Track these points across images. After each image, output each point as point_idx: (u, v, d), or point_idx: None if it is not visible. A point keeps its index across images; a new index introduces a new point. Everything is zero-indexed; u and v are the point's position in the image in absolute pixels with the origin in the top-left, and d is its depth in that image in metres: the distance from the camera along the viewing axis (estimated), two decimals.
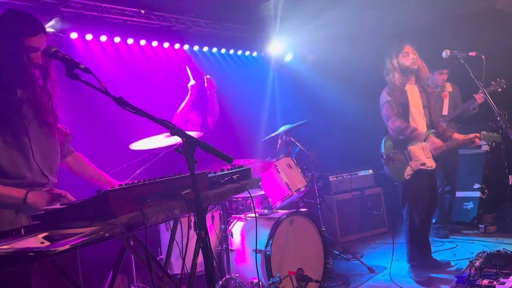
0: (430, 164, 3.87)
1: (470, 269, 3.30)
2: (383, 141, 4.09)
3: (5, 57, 2.02)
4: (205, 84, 4.65)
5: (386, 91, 3.96)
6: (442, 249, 4.79)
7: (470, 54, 3.53)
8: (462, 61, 3.52)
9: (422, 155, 3.87)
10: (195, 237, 1.79)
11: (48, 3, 4.22)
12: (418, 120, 3.89)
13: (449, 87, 5.22)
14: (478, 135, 3.82)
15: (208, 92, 4.69)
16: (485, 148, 5.72)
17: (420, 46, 3.98)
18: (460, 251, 4.68)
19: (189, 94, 4.56)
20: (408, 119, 3.88)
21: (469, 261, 3.49)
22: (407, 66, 3.86)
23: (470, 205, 5.65)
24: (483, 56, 3.50)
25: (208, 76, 4.65)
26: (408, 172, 3.89)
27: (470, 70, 3.46)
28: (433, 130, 3.91)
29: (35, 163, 2.12)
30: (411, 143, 3.90)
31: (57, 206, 1.66)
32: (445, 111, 5.10)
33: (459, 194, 5.51)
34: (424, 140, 3.88)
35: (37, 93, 2.17)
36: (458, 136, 3.96)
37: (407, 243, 3.99)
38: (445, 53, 3.64)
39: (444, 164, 4.50)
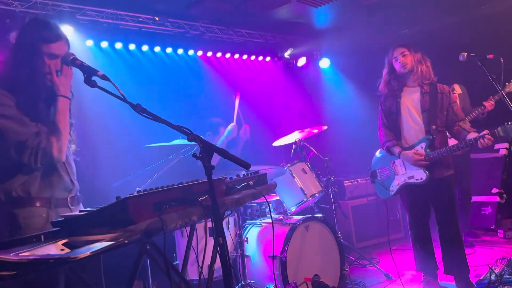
0: (419, 176, 3.55)
1: (490, 276, 3.23)
2: (375, 154, 3.95)
3: (27, 66, 2.09)
4: (240, 131, 4.67)
5: (381, 100, 3.81)
6: None
7: (488, 56, 3.46)
8: (480, 64, 3.45)
9: (411, 167, 3.58)
10: (210, 242, 1.79)
11: (65, 11, 4.28)
12: (411, 128, 3.61)
13: (458, 89, 5.10)
14: (487, 131, 3.34)
15: (240, 138, 4.69)
16: (503, 152, 5.62)
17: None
18: (479, 257, 4.59)
19: (227, 133, 4.54)
20: (398, 128, 3.66)
21: (489, 267, 3.42)
22: (399, 72, 3.65)
23: (488, 210, 5.55)
24: (501, 59, 3.43)
25: (247, 126, 4.71)
26: (393, 188, 3.72)
27: (488, 73, 3.39)
28: (429, 136, 3.51)
29: (65, 167, 2.22)
30: (395, 157, 3.69)
31: (76, 213, 1.67)
32: None
33: (477, 199, 5.42)
34: (398, 156, 3.61)
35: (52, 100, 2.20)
36: (471, 136, 3.45)
37: (413, 252, 3.83)
38: (462, 56, 3.55)
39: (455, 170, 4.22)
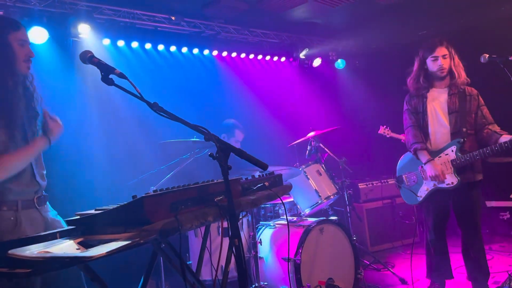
0: (450, 180, 3.38)
1: (509, 283, 3.15)
2: (400, 158, 3.77)
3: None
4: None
5: (406, 99, 3.64)
6: None
7: (510, 58, 3.38)
8: (502, 65, 3.37)
9: (439, 172, 3.40)
10: (224, 243, 1.76)
11: (82, 10, 4.30)
12: (438, 129, 3.48)
13: None
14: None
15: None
16: None
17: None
18: (497, 263, 4.49)
19: None
20: (424, 128, 3.52)
21: (508, 274, 3.34)
22: (433, 72, 3.46)
23: (506, 215, 5.43)
24: None
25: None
26: (422, 193, 3.54)
27: (511, 75, 3.31)
28: (459, 139, 3.37)
29: (31, 167, 2.18)
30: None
31: (92, 211, 1.66)
32: None
33: (495, 204, 5.31)
34: (425, 164, 3.44)
35: (27, 93, 2.23)
36: (505, 138, 3.26)
37: (426, 259, 3.73)
38: (483, 58, 3.46)
39: None
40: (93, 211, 1.64)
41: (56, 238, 1.57)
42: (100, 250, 1.25)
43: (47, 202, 2.32)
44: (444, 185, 3.42)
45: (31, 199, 2.17)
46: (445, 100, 3.47)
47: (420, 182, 3.57)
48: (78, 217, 1.63)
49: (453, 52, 3.48)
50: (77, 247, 1.42)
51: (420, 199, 3.55)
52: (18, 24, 2.19)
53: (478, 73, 3.81)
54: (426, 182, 3.52)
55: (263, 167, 1.73)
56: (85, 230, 1.58)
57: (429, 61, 3.47)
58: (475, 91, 3.51)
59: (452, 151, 3.40)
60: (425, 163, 3.45)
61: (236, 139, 4.48)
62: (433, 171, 3.38)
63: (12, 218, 2.06)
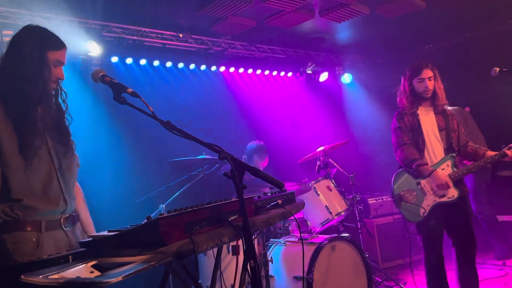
0: (451, 194, 3.43)
1: None
2: (394, 177, 3.69)
3: (29, 69, 1.99)
4: None
5: (396, 117, 3.67)
6: (491, 277, 4.51)
7: None
8: None
9: (445, 181, 3.41)
10: (234, 261, 1.72)
11: (91, 28, 4.33)
12: (433, 145, 3.53)
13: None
14: (510, 145, 3.38)
15: None
16: None
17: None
18: (511, 279, 4.39)
19: None
20: (420, 145, 3.54)
21: None
22: (419, 93, 3.58)
23: None
24: None
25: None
26: (424, 209, 3.49)
27: None
28: (453, 154, 3.48)
29: (59, 186, 2.04)
30: (423, 177, 3.52)
31: (105, 233, 1.62)
32: None
33: (506, 218, 5.22)
34: (428, 176, 3.45)
35: (54, 110, 2.14)
36: (490, 153, 3.48)
37: (426, 275, 3.65)
38: (494, 72, 3.47)
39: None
40: (106, 233, 1.60)
41: (69, 261, 1.53)
42: (116, 274, 1.21)
43: (78, 223, 2.20)
44: (445, 199, 3.47)
45: (57, 219, 2.04)
46: (433, 117, 3.61)
47: (421, 198, 3.53)
48: (91, 239, 1.59)
49: (436, 74, 3.62)
50: (91, 271, 1.38)
51: (423, 215, 3.50)
52: (59, 44, 2.10)
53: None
54: (427, 197, 3.51)
55: (279, 186, 1.70)
56: (99, 252, 1.55)
57: (415, 82, 3.60)
58: (452, 112, 3.71)
59: (448, 165, 3.51)
60: (428, 175, 3.47)
61: (259, 166, 4.39)
62: (439, 180, 3.42)
63: (34, 239, 1.93)
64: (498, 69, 3.45)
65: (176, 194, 3.77)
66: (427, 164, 3.51)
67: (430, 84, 3.55)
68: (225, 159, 1.69)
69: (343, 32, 5.74)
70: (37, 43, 2.02)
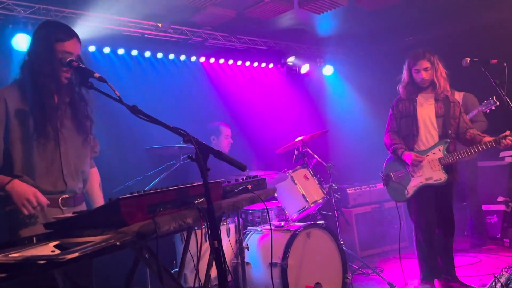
0: (438, 177, 3.61)
1: (495, 285, 3.16)
2: (386, 160, 3.91)
3: (40, 62, 2.14)
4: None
5: (393, 104, 3.84)
6: (465, 264, 4.63)
7: (491, 62, 3.43)
8: (483, 69, 3.43)
9: (428, 168, 3.63)
10: (209, 248, 1.75)
11: (67, 17, 4.29)
12: (427, 131, 3.68)
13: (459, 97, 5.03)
14: (508, 132, 3.43)
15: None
16: (509, 159, 5.56)
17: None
18: (484, 266, 4.51)
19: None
20: (414, 131, 3.69)
21: (494, 276, 3.35)
22: (416, 83, 3.72)
23: (494, 219, 5.47)
24: (505, 64, 3.40)
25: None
26: (410, 190, 3.68)
27: (492, 79, 3.37)
28: (446, 140, 3.62)
29: (60, 168, 2.19)
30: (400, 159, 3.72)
31: (70, 214, 1.64)
32: None
33: (483, 207, 5.34)
34: (400, 156, 3.67)
35: (75, 99, 2.27)
36: (488, 139, 3.54)
37: (418, 260, 3.81)
38: (465, 62, 3.54)
39: (461, 178, 4.26)
40: (70, 214, 1.63)
41: (33, 242, 1.55)
42: (74, 251, 1.24)
43: (82, 204, 2.33)
44: (432, 182, 3.63)
45: (55, 199, 2.17)
46: (432, 104, 3.70)
47: (408, 179, 3.73)
48: (56, 220, 1.61)
49: (435, 63, 3.67)
50: (52, 250, 1.40)
51: (408, 195, 3.71)
52: (66, 35, 2.20)
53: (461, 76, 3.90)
54: (414, 179, 3.69)
55: (242, 168, 1.73)
56: (63, 233, 1.57)
57: (413, 71, 3.72)
58: (456, 99, 3.81)
59: (440, 150, 3.64)
60: (401, 155, 3.67)
61: (225, 135, 4.60)
62: (409, 159, 3.63)
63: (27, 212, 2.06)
64: (469, 59, 3.53)
65: (153, 183, 3.78)
66: (402, 148, 3.69)
67: (426, 75, 3.64)
68: (189, 142, 1.72)
69: (324, 24, 5.77)
70: (45, 37, 2.18)
